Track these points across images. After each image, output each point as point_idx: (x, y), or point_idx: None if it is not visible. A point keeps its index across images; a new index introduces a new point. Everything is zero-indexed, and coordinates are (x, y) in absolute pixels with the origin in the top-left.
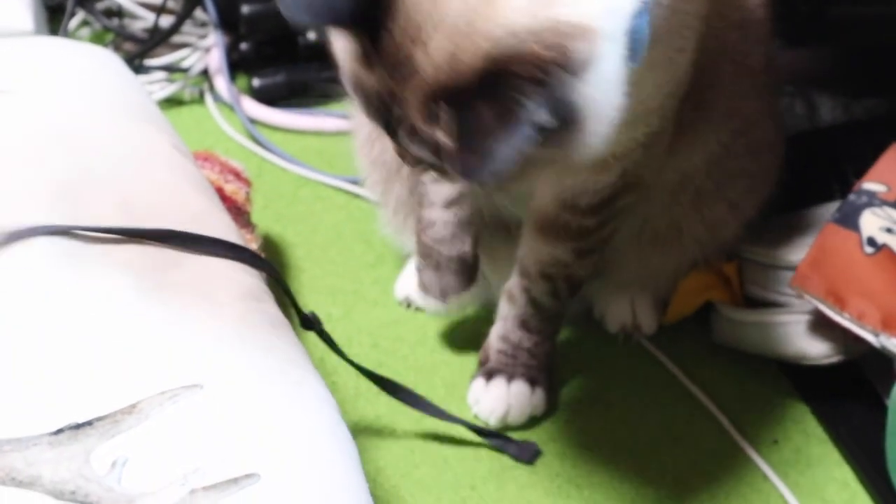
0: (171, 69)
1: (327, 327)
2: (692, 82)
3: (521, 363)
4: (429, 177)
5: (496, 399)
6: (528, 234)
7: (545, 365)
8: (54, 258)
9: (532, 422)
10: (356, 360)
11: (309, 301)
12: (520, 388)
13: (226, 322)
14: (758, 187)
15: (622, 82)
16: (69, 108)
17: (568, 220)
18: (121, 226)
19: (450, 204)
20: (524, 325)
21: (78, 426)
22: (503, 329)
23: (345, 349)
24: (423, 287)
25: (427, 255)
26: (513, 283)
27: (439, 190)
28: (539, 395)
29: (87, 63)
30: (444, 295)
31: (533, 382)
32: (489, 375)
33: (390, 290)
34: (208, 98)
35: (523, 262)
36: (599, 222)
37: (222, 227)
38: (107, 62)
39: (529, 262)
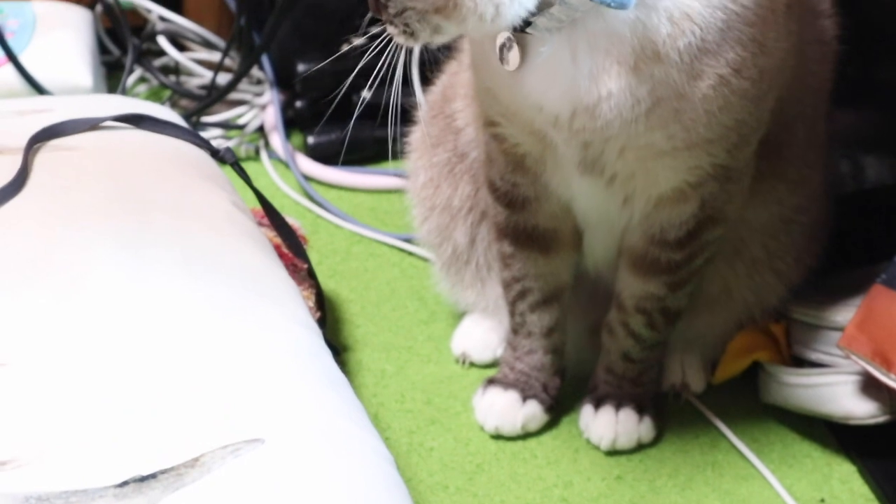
0: (227, 126)
1: (381, 383)
2: (770, 135)
3: (627, 392)
4: (527, 302)
5: (605, 426)
6: (622, 271)
7: (652, 392)
8: (119, 304)
9: (582, 479)
10: (409, 416)
11: (363, 356)
12: (628, 416)
13: (286, 377)
14: (805, 259)
15: None
16: (131, 163)
17: (657, 255)
18: (186, 290)
19: (550, 332)
20: (626, 356)
21: (143, 479)
22: (607, 361)
23: (397, 405)
24: (495, 411)
25: (517, 382)
26: (612, 317)
27: (539, 319)
28: (647, 423)
29: None
30: (524, 424)
31: (641, 410)
32: (598, 403)
33: (443, 346)
34: (264, 155)
35: (619, 297)
36: (688, 255)
37: (280, 283)
38: (168, 118)
39: (625, 297)
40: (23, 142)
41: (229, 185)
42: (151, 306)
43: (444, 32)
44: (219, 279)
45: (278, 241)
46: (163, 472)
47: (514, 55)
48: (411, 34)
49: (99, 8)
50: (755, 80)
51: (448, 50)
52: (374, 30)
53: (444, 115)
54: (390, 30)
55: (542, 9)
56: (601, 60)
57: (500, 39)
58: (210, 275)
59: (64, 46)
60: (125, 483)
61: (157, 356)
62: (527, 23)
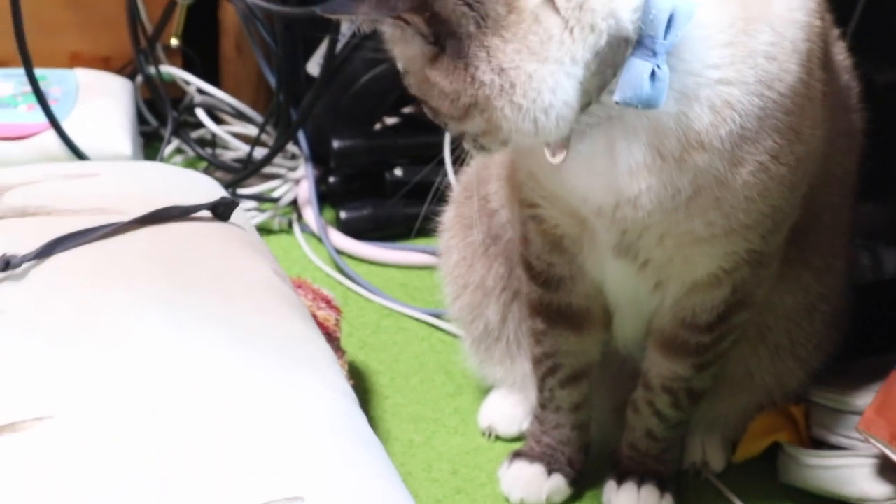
0: (261, 199)
1: (409, 452)
2: (799, 222)
3: (649, 468)
4: (556, 378)
5: (627, 501)
6: (650, 351)
7: (673, 469)
8: (161, 363)
9: None
10: (435, 485)
11: (391, 427)
12: (649, 492)
13: (323, 439)
14: (826, 347)
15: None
16: (175, 229)
17: (687, 338)
18: (225, 352)
19: (577, 408)
20: (650, 434)
21: None
22: (631, 437)
23: (424, 474)
24: (520, 483)
25: (543, 455)
26: (637, 396)
27: (569, 395)
28: (668, 500)
29: (190, 187)
30: (549, 496)
31: (662, 487)
32: (621, 478)
33: (470, 419)
34: (296, 228)
35: (646, 376)
36: (716, 338)
37: (317, 350)
38: (207, 187)
39: (652, 377)
40: (71, 205)
41: (269, 253)
42: (193, 368)
43: (507, 144)
44: (258, 344)
45: (314, 310)
46: None
47: (558, 147)
48: (482, 148)
49: (139, 79)
50: (792, 167)
51: None
52: (407, 110)
53: (479, 196)
54: (464, 146)
55: (582, 108)
56: (640, 154)
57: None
58: (250, 340)
59: (105, 115)
60: None
61: (198, 416)
62: None
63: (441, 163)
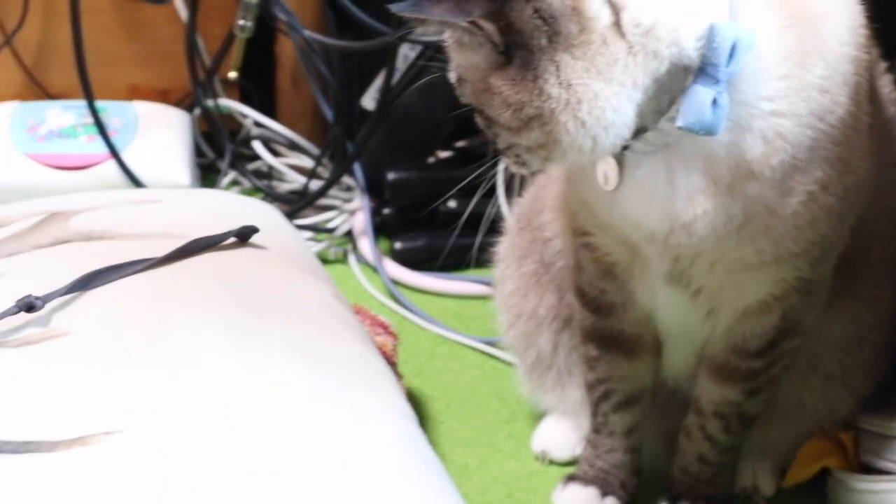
0: (316, 229)
1: (464, 476)
2: (848, 253)
3: (701, 492)
4: (609, 403)
5: None
6: (701, 377)
7: (725, 493)
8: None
9: None
10: None
11: (447, 450)
12: None
13: (386, 459)
14: (875, 375)
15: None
16: (237, 254)
17: (738, 364)
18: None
19: (630, 432)
20: (701, 458)
21: None
22: (683, 462)
23: (480, 498)
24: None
25: (596, 478)
26: (689, 421)
27: (621, 419)
28: None
29: (252, 213)
30: None
31: None
32: (673, 501)
33: (524, 444)
34: (351, 258)
35: (698, 402)
36: (766, 364)
37: (378, 373)
38: (270, 214)
39: (703, 402)
40: (135, 229)
41: (329, 278)
42: (257, 389)
43: (552, 162)
44: (320, 366)
45: (371, 335)
46: None
47: (612, 175)
48: (523, 164)
49: (197, 111)
50: (840, 197)
51: None
52: (461, 144)
53: (532, 226)
54: (504, 160)
55: (638, 134)
56: (697, 180)
57: (601, 163)
58: (312, 362)
59: (164, 146)
60: None
61: (262, 436)
62: (624, 146)
63: (494, 195)
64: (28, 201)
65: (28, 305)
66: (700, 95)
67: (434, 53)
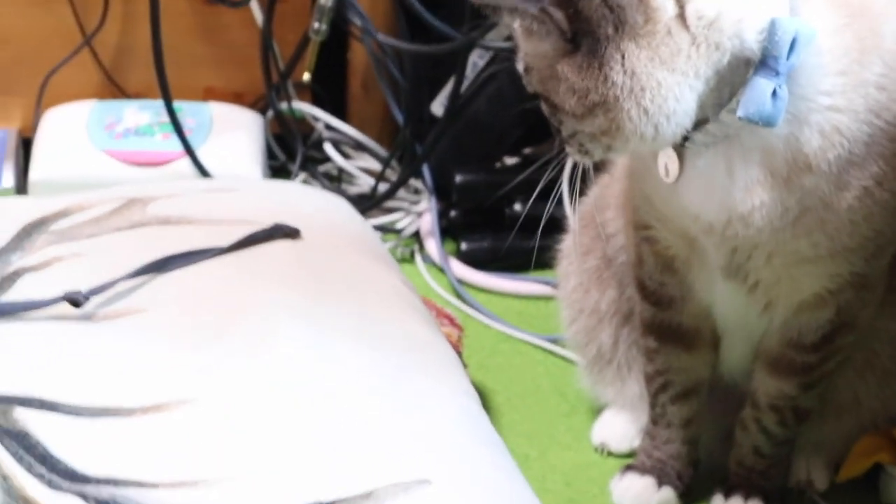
0: (384, 230)
1: (524, 465)
2: None
3: (756, 484)
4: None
5: None
6: (757, 371)
7: (779, 486)
8: (300, 361)
9: None
10: (549, 495)
11: (507, 441)
12: None
13: (450, 432)
14: None
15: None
16: (310, 240)
17: (793, 358)
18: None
19: (688, 423)
20: (757, 450)
21: None
22: (738, 454)
23: (538, 485)
24: (631, 494)
25: (653, 468)
26: (745, 414)
27: (679, 410)
28: None
29: (325, 204)
30: None
31: (768, 502)
32: (728, 492)
33: (583, 437)
34: (418, 258)
35: (754, 395)
36: (821, 358)
37: (445, 355)
38: (342, 206)
39: (759, 396)
40: (212, 216)
41: (397, 267)
42: (329, 367)
43: (614, 150)
44: (389, 347)
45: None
46: (340, 500)
47: (672, 167)
48: (586, 153)
49: (270, 114)
50: (894, 193)
51: (598, 166)
52: (527, 150)
53: (595, 224)
54: (567, 149)
55: (698, 126)
56: (755, 172)
57: (662, 155)
58: (383, 343)
59: (237, 146)
60: None
61: (336, 405)
62: (685, 138)
63: (558, 199)
64: (107, 189)
65: (73, 300)
66: (761, 87)
67: (503, 61)
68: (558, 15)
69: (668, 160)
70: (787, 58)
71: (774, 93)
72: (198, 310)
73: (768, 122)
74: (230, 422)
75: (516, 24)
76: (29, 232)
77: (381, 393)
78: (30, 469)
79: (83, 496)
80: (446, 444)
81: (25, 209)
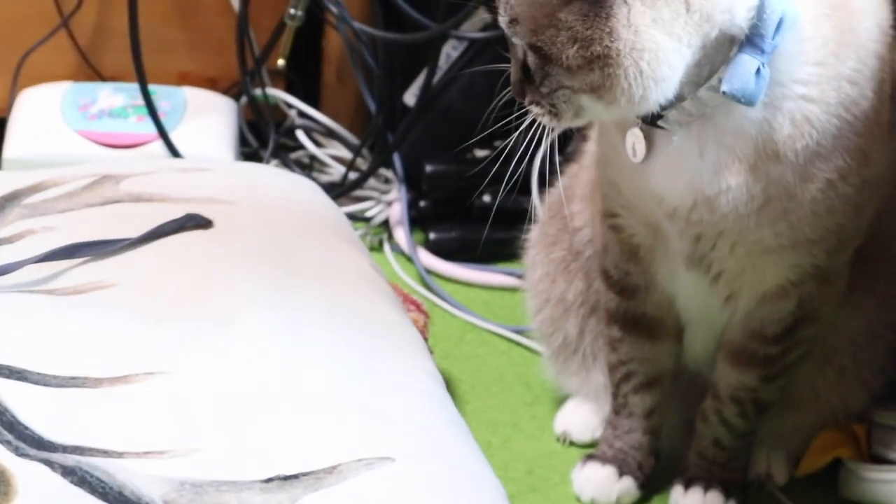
0: (354, 218)
1: (487, 453)
2: (864, 245)
3: (716, 476)
4: (630, 384)
5: None
6: (719, 362)
7: (739, 479)
8: (269, 336)
9: None
10: (511, 483)
11: (471, 429)
12: (715, 498)
13: (414, 411)
14: (889, 371)
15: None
16: (281, 221)
17: (755, 349)
18: (325, 331)
19: (650, 414)
20: (717, 442)
21: (286, 478)
22: (699, 446)
23: (501, 473)
24: (592, 483)
25: (614, 458)
26: (706, 405)
27: (641, 400)
28: None
29: (296, 187)
30: (619, 497)
31: (727, 494)
32: (688, 483)
33: (546, 426)
34: (387, 247)
35: (716, 386)
36: (783, 350)
37: (411, 337)
38: (311, 188)
39: (721, 387)
40: (184, 194)
41: (366, 250)
42: (298, 341)
43: (584, 115)
44: (355, 326)
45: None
46: (304, 474)
47: (640, 147)
48: (556, 115)
49: (244, 100)
50: (858, 188)
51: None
52: (498, 143)
53: (562, 215)
54: (535, 110)
55: (673, 102)
56: (725, 156)
57: (630, 135)
58: (350, 322)
59: (210, 131)
60: (270, 479)
61: (303, 380)
62: (658, 115)
63: (526, 192)
64: (81, 165)
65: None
66: (746, 64)
67: (477, 52)
68: None
69: (635, 140)
70: (773, 38)
71: (758, 71)
72: (167, 286)
73: (750, 100)
74: (197, 394)
75: None
76: (2, 205)
77: (348, 371)
78: None
79: (49, 463)
80: (410, 423)
81: None
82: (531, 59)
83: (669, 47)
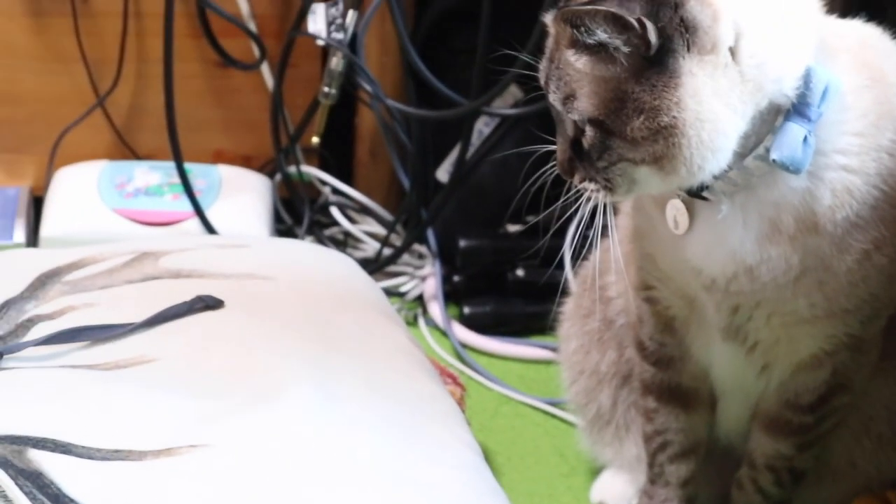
0: (388, 293)
1: None
2: None
3: None
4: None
5: None
6: (754, 431)
7: None
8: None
9: None
10: None
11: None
12: None
13: (456, 484)
14: None
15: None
16: (320, 296)
17: (790, 418)
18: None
19: (685, 483)
20: None
21: None
22: None
23: None
24: None
25: None
26: (742, 474)
27: (677, 470)
28: None
29: (332, 262)
30: None
31: None
32: None
33: (582, 497)
34: (421, 321)
35: (751, 455)
36: (818, 419)
37: (449, 408)
38: (349, 264)
39: (756, 456)
40: (223, 270)
41: (403, 323)
42: (338, 416)
43: (637, 188)
44: (396, 401)
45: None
46: None
47: (682, 219)
48: (610, 189)
49: (278, 177)
50: (892, 259)
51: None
52: (531, 217)
53: (596, 288)
54: (588, 186)
55: (721, 173)
56: (767, 226)
57: (671, 207)
58: (389, 395)
59: (245, 208)
60: None
61: (344, 454)
62: (703, 187)
63: (559, 266)
64: (120, 242)
65: None
66: (794, 132)
67: (508, 128)
68: (650, 27)
69: (677, 212)
70: (818, 106)
71: (805, 139)
72: (208, 360)
73: (797, 168)
74: (239, 467)
75: (570, 55)
76: (43, 282)
77: (388, 445)
78: None
79: None
80: (451, 494)
81: (40, 260)
82: (590, 134)
83: (726, 118)
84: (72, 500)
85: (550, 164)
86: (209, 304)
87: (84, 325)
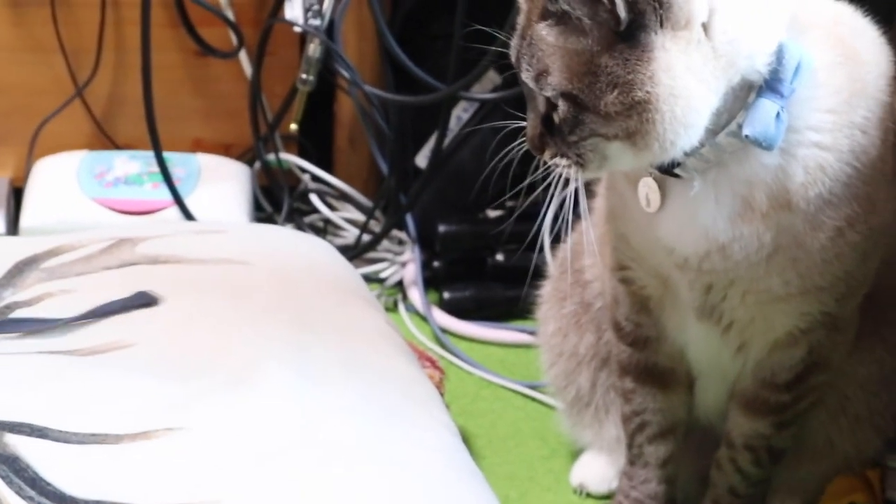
0: (368, 279)
1: None
2: (873, 293)
3: None
4: (645, 435)
5: None
6: (732, 411)
7: None
8: (286, 392)
9: None
10: None
11: (489, 483)
12: None
13: (433, 464)
14: None
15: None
16: (297, 280)
17: (767, 397)
18: (344, 386)
19: (665, 464)
20: (732, 490)
21: None
22: (714, 494)
23: None
24: None
25: None
26: (721, 454)
27: (656, 450)
28: None
29: (310, 247)
30: None
31: None
32: None
33: (562, 479)
34: (401, 307)
35: (729, 435)
36: (794, 398)
37: (427, 391)
38: (327, 250)
39: (734, 435)
40: (200, 255)
41: (381, 308)
42: (315, 396)
43: (609, 164)
44: (375, 382)
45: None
46: None
47: (654, 197)
48: (582, 164)
49: (257, 165)
50: (865, 236)
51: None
52: (510, 202)
53: (573, 270)
54: (560, 162)
55: (693, 150)
56: (739, 203)
57: (642, 185)
58: (367, 378)
59: (224, 196)
60: None
61: (321, 434)
62: (675, 164)
63: (538, 248)
64: (98, 230)
65: None
66: (766, 108)
67: (486, 113)
68: (620, 2)
69: (649, 190)
70: (791, 81)
71: (777, 115)
72: (186, 344)
73: (770, 144)
74: (216, 449)
75: (541, 28)
76: (21, 269)
77: (365, 424)
78: (19, 492)
79: None
80: (429, 475)
81: (17, 248)
82: (562, 108)
83: (699, 93)
84: (48, 484)
85: (519, 141)
86: (146, 301)
87: (20, 317)
